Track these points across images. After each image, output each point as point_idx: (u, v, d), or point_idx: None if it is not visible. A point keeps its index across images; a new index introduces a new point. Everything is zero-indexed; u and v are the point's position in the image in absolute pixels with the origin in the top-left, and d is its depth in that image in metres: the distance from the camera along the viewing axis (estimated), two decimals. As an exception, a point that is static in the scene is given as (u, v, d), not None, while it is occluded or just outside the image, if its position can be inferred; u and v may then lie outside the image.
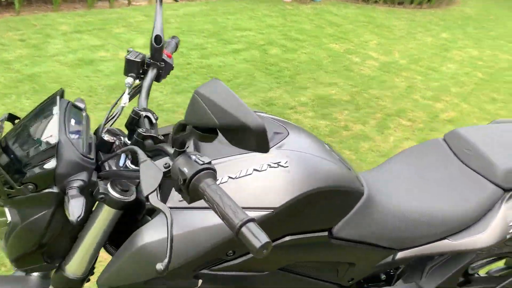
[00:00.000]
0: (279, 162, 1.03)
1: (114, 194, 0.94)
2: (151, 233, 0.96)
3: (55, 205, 0.92)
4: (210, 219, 0.97)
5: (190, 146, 1.08)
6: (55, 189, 0.91)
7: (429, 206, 1.34)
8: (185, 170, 0.77)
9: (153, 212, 1.01)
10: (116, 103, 1.14)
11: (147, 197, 0.80)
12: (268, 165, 1.02)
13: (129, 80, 1.12)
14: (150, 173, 0.83)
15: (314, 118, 3.76)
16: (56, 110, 0.96)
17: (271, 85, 4.22)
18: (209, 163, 0.79)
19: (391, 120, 3.98)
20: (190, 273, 1.03)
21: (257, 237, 0.66)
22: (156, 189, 0.81)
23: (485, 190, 1.38)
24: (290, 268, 1.18)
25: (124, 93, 1.13)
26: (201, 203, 0.81)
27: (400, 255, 1.31)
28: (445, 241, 1.34)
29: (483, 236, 1.35)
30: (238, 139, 0.69)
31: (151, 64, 1.17)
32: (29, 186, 0.89)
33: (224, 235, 0.97)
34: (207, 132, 0.73)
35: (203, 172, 0.77)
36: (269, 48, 5.11)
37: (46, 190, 0.91)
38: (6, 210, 0.95)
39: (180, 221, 0.97)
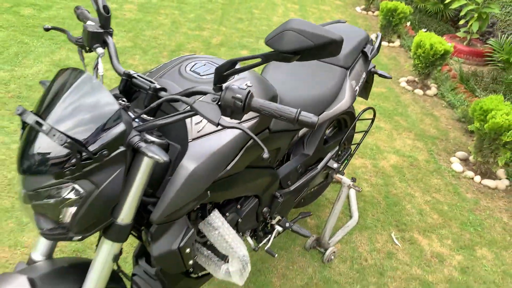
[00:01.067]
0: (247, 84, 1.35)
1: (155, 142, 1.08)
2: (193, 161, 1.17)
3: (125, 162, 1.01)
4: (223, 138, 1.24)
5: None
6: (122, 148, 0.99)
7: (308, 93, 1.83)
8: (238, 95, 1.01)
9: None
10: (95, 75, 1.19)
11: (218, 124, 1.00)
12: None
13: (100, 50, 1.19)
14: (206, 108, 1.02)
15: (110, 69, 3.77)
16: (94, 79, 1.01)
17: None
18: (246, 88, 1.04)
19: (178, 53, 4.32)
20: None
21: (310, 117, 0.99)
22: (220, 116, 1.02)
23: (336, 73, 1.97)
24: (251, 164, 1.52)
25: (98, 63, 1.17)
26: (211, 128, 1.21)
27: (300, 132, 1.81)
28: (324, 113, 1.89)
29: (344, 102, 1.95)
30: (318, 54, 0.96)
31: (108, 32, 1.25)
32: (104, 153, 0.96)
33: (238, 143, 1.25)
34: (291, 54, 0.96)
35: (250, 93, 1.02)
36: None
37: (117, 151, 0.98)
38: (76, 186, 0.98)
39: (203, 145, 1.20)
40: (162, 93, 1.14)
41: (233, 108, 1.02)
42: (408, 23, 6.57)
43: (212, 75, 1.37)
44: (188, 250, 1.33)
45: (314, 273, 2.22)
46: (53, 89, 1.05)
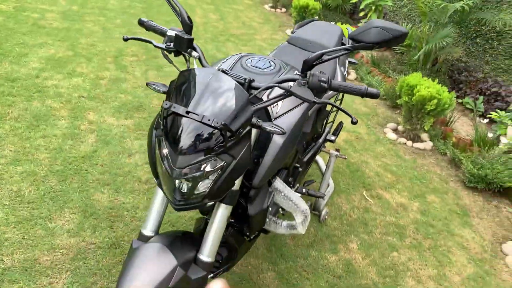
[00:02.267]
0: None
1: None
2: (281, 136, 1.50)
3: (250, 137, 1.34)
4: (295, 115, 1.60)
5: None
6: (249, 127, 1.30)
7: None
8: (323, 78, 1.37)
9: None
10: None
11: (314, 102, 1.34)
12: None
13: (195, 53, 1.47)
14: (302, 90, 1.36)
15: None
16: (223, 75, 1.28)
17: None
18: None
19: (122, 58, 4.41)
20: None
21: (375, 91, 1.39)
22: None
23: (329, 61, 2.38)
24: None
25: (193, 64, 1.45)
26: (284, 109, 1.59)
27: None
28: (326, 94, 2.29)
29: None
30: (391, 43, 1.33)
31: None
32: (241, 130, 1.25)
33: (304, 119, 1.62)
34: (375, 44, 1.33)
35: (329, 76, 1.39)
36: None
37: (247, 129, 1.28)
38: (218, 159, 1.26)
39: (283, 123, 1.55)
40: (255, 83, 1.44)
41: (318, 89, 1.37)
42: (317, 17, 7.29)
43: (268, 68, 1.69)
44: (270, 209, 1.65)
45: (316, 231, 2.63)
46: (186, 85, 1.29)
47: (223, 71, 1.48)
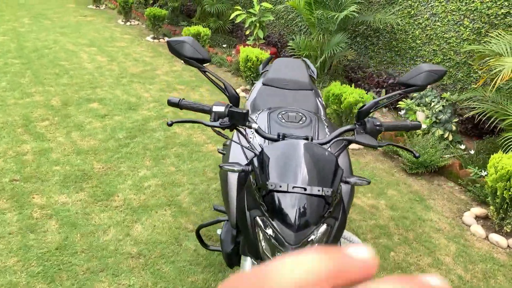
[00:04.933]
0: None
1: None
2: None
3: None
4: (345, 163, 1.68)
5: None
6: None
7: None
8: (378, 123, 1.50)
9: None
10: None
11: (379, 146, 1.45)
12: None
13: (255, 124, 1.47)
14: (363, 137, 1.47)
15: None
16: (314, 143, 1.32)
17: None
18: None
19: (33, 125, 3.96)
20: None
21: (418, 123, 1.56)
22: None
23: (309, 95, 2.49)
24: None
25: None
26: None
27: None
28: None
29: (323, 114, 2.50)
30: (436, 81, 1.48)
31: None
32: (339, 191, 1.32)
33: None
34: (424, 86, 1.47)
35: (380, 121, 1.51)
36: None
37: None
38: (325, 224, 1.29)
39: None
40: (316, 140, 1.49)
41: (375, 134, 1.49)
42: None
43: (302, 121, 1.74)
44: None
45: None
46: (279, 160, 1.28)
47: (284, 136, 1.48)
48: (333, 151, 1.59)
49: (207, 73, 1.48)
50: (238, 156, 1.67)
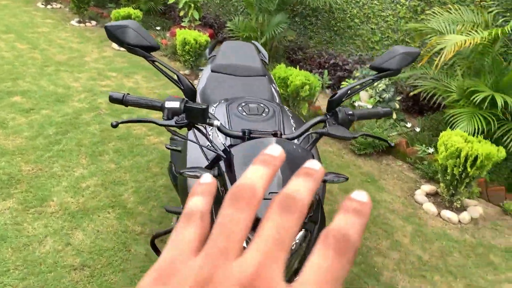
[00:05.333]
0: None
1: None
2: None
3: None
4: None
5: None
6: None
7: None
8: (350, 112, 1.38)
9: None
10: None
11: (353, 137, 1.33)
12: None
13: (217, 121, 1.29)
14: (336, 129, 1.34)
15: None
16: (270, 139, 1.17)
17: None
18: None
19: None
20: None
21: (388, 109, 1.46)
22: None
23: (263, 81, 2.31)
24: None
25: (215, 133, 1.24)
26: None
27: None
28: None
29: (278, 100, 2.33)
30: (409, 64, 1.37)
31: None
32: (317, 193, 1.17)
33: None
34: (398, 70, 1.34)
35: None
36: None
37: None
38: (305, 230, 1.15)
39: None
40: (286, 135, 1.33)
41: (347, 124, 1.36)
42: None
43: (265, 113, 1.56)
44: None
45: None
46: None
47: (250, 133, 1.30)
48: (303, 146, 1.44)
49: (156, 62, 1.25)
50: (197, 157, 1.46)
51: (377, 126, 3.86)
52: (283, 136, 1.33)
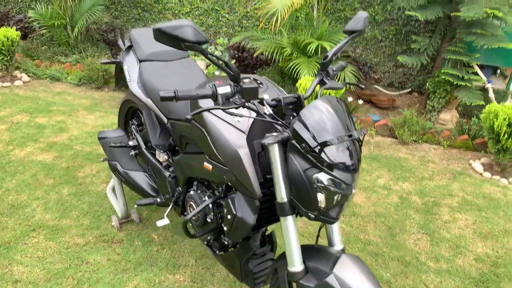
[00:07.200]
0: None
1: None
2: None
3: None
4: None
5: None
6: None
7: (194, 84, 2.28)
8: (334, 68, 1.79)
9: None
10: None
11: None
12: None
13: (266, 95, 1.54)
14: (333, 83, 1.74)
15: None
16: (338, 99, 1.51)
17: None
18: None
19: None
20: None
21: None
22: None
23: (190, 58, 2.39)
24: None
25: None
26: None
27: None
28: None
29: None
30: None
31: None
32: None
33: None
34: None
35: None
36: None
37: None
38: None
39: None
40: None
41: (334, 75, 1.79)
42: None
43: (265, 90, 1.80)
44: None
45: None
46: (322, 117, 1.41)
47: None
48: None
49: (209, 55, 1.38)
50: (234, 134, 1.62)
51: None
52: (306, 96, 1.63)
